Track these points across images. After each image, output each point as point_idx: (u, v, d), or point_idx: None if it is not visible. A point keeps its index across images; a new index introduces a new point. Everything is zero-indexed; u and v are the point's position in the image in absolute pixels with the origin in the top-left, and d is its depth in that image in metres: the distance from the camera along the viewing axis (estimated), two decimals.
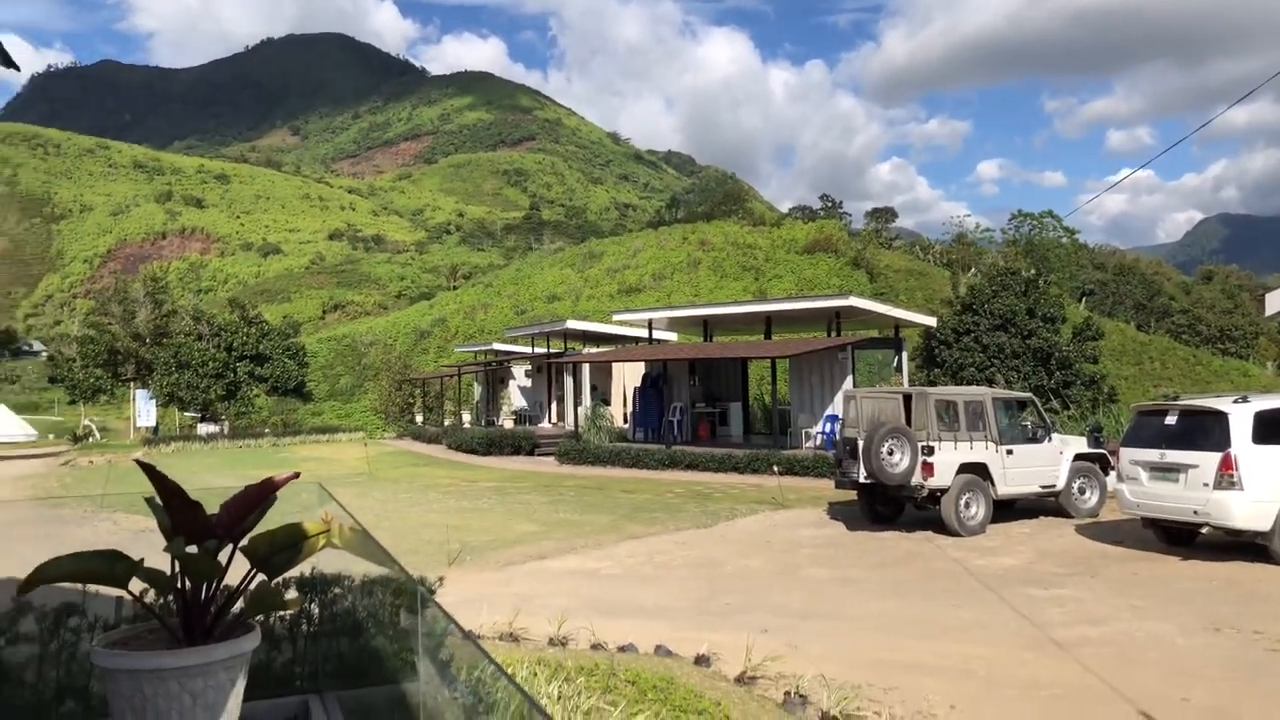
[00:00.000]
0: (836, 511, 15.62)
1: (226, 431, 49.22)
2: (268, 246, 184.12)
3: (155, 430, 56.23)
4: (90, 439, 61.87)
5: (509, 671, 4.95)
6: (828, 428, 22.37)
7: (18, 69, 3.38)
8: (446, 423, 44.60)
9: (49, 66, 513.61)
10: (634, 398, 29.41)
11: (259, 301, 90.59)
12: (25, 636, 4.02)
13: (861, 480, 13.68)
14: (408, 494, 20.91)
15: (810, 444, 22.92)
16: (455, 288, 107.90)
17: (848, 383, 22.94)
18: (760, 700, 6.60)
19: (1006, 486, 13.95)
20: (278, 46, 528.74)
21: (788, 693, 6.64)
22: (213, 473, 28.31)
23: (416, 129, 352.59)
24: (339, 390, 65.51)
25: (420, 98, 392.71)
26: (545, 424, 36.05)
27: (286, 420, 54.65)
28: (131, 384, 59.12)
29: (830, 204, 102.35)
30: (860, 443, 13.55)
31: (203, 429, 51.41)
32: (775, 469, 19.50)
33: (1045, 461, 14.52)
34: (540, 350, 38.13)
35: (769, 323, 27.60)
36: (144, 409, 57.72)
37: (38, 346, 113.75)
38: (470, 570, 11.36)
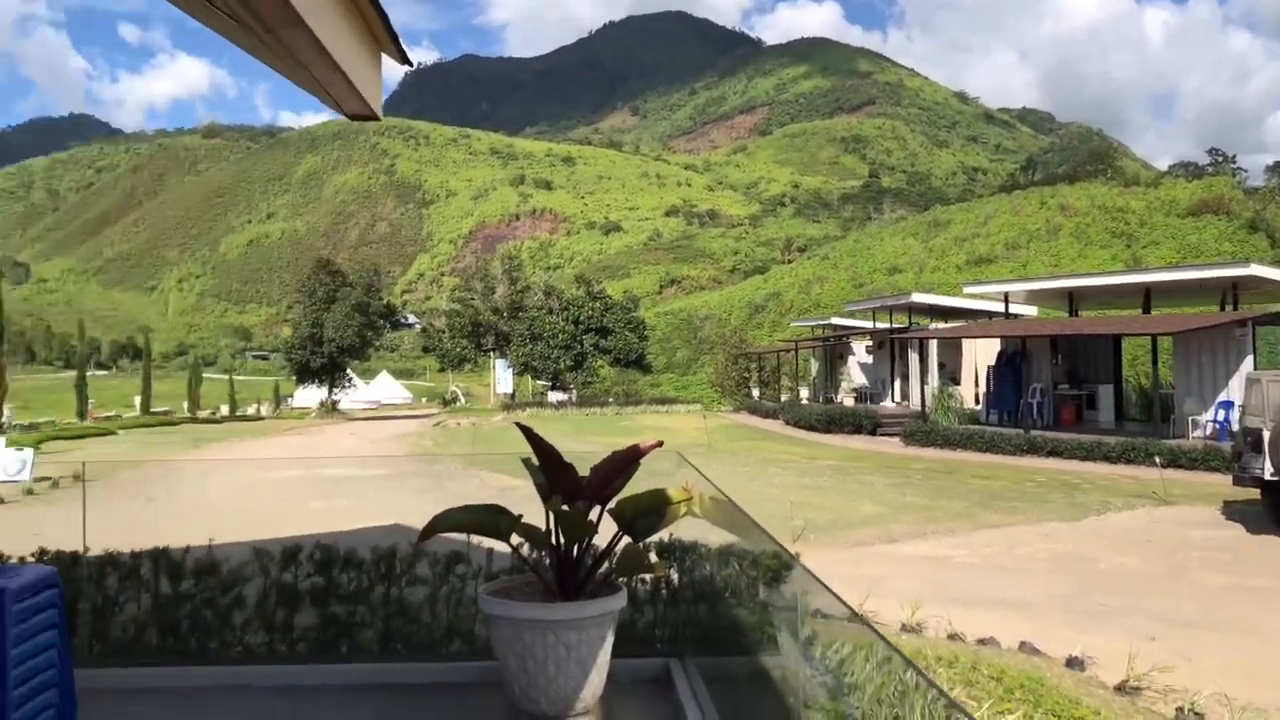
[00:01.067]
0: (1234, 511, 13.74)
1: (574, 399, 53.04)
2: (609, 224, 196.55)
3: (512, 396, 62.01)
4: (456, 403, 69.68)
5: (860, 656, 4.73)
6: (1221, 415, 20.13)
7: (411, 65, 3.66)
8: (783, 398, 44.82)
9: (418, 64, 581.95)
10: (987, 377, 27.87)
11: (601, 277, 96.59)
12: (420, 579, 4.43)
13: (1268, 477, 12.07)
14: (746, 467, 21.21)
15: (1198, 433, 20.69)
16: (789, 261, 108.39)
17: (1247, 364, 20.29)
18: (1146, 713, 5.96)
19: None
20: (618, 29, 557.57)
21: (1180, 709, 6.01)
22: (565, 437, 30.55)
23: (751, 101, 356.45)
24: (675, 363, 68.19)
25: (755, 69, 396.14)
26: (888, 402, 35.08)
27: (628, 390, 57.83)
28: (491, 354, 65.54)
29: (1220, 159, 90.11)
30: (1266, 434, 11.97)
31: (553, 396, 55.87)
32: (1156, 460, 17.87)
33: None
34: (882, 325, 37.03)
35: (1148, 295, 25.09)
36: (502, 376, 64.00)
37: (412, 319, 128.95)
38: (815, 548, 11.19)
